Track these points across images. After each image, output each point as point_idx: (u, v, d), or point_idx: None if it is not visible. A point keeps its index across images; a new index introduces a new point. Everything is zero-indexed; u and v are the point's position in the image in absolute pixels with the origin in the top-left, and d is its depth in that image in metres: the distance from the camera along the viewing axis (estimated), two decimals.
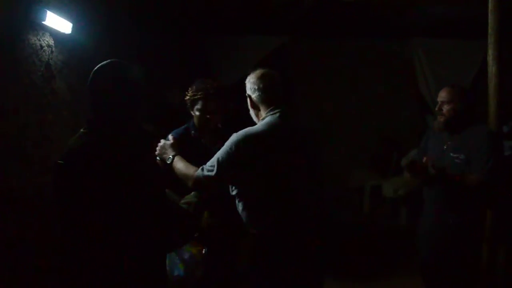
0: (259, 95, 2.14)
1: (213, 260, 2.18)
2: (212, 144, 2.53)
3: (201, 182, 1.91)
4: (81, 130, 1.60)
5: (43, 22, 2.50)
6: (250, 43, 5.68)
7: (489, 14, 2.86)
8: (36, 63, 2.58)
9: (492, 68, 2.86)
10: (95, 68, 1.65)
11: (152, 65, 4.30)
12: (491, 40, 2.87)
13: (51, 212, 2.46)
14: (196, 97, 2.53)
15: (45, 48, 2.65)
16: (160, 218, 1.46)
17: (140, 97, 1.65)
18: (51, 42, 2.71)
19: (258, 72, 2.19)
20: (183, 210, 1.66)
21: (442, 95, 2.73)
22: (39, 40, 2.59)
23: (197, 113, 2.55)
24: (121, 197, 1.38)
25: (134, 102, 1.61)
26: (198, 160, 2.09)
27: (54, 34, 2.72)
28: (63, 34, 2.78)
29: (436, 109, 2.76)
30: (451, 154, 2.62)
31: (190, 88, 2.58)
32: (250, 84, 2.18)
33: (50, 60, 2.72)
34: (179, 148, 2.26)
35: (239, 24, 5.47)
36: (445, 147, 2.69)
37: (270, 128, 2.00)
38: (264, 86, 2.12)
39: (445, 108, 2.68)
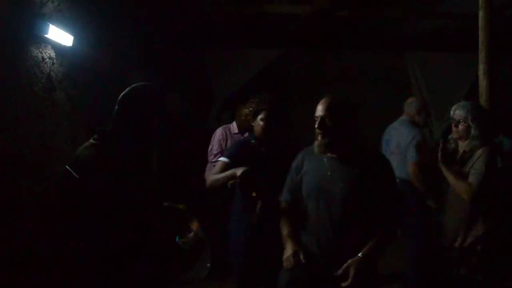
0: None
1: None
2: (269, 152, 2.66)
3: None
4: (91, 140, 1.62)
5: (45, 35, 2.57)
6: (247, 56, 5.76)
7: (480, 30, 2.95)
8: (38, 74, 2.64)
9: (483, 83, 2.95)
10: (136, 85, 1.67)
11: (151, 74, 4.36)
12: (481, 55, 2.96)
13: (52, 218, 2.52)
14: (260, 107, 2.67)
15: (47, 60, 2.71)
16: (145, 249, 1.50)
17: (167, 127, 1.68)
18: (53, 54, 2.78)
19: None
20: (175, 246, 1.67)
21: None
22: (41, 53, 2.65)
23: (261, 122, 2.66)
24: (120, 212, 1.42)
25: (160, 131, 1.64)
26: (256, 168, 2.34)
27: (56, 46, 2.79)
28: (64, 46, 2.85)
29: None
30: None
31: (251, 100, 2.73)
32: None
33: (51, 72, 2.79)
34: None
35: (236, 37, 5.56)
36: None
37: None
38: None
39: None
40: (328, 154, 2.14)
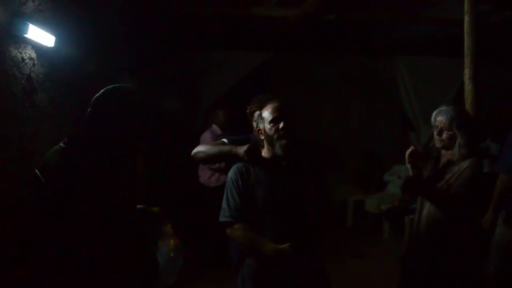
0: None
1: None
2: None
3: None
4: (61, 144, 1.59)
5: (24, 35, 2.51)
6: (235, 58, 5.76)
7: (465, 35, 2.95)
8: (17, 75, 2.57)
9: (468, 87, 2.95)
10: (109, 87, 1.63)
11: (138, 76, 4.32)
12: (467, 60, 2.96)
13: (30, 223, 2.46)
14: (252, 109, 2.59)
15: (27, 61, 2.65)
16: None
17: (145, 129, 1.64)
18: (33, 55, 2.71)
19: None
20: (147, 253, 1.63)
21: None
22: (21, 53, 2.59)
23: (254, 124, 2.57)
24: (90, 216, 1.39)
25: (132, 130, 1.60)
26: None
27: (36, 47, 2.73)
28: (46, 47, 2.78)
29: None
30: None
31: (252, 103, 2.63)
32: None
33: (32, 73, 2.72)
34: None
35: (224, 39, 5.54)
36: None
37: None
38: None
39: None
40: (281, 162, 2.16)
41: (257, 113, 2.58)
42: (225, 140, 2.51)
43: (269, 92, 2.77)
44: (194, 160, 2.52)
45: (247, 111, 2.68)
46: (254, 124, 2.60)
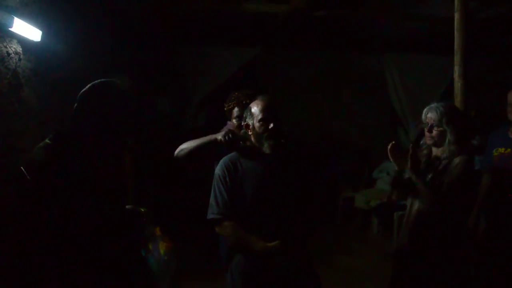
0: None
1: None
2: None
3: None
4: (46, 140, 1.56)
5: (9, 29, 2.45)
6: (225, 54, 5.72)
7: (455, 33, 2.96)
8: (2, 70, 2.51)
9: (457, 84, 2.96)
10: (96, 82, 1.59)
11: (131, 72, 4.26)
12: (457, 57, 2.97)
13: (14, 221, 2.41)
14: (230, 106, 2.64)
15: (12, 55, 2.59)
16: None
17: (134, 124, 1.60)
18: (19, 49, 2.66)
19: None
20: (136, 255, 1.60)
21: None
22: (6, 47, 2.53)
23: (234, 121, 2.63)
24: (77, 214, 1.36)
25: (118, 126, 1.56)
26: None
27: (23, 41, 2.67)
28: (32, 41, 2.73)
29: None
30: None
31: (229, 99, 2.67)
32: None
33: (18, 68, 2.66)
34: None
35: (213, 35, 5.49)
36: None
37: None
38: None
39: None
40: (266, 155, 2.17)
41: (236, 109, 2.61)
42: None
43: (254, 88, 2.76)
44: (178, 159, 2.51)
45: (225, 108, 2.70)
46: (234, 121, 2.63)
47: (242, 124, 2.33)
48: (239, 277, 2.11)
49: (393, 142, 2.48)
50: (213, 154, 2.43)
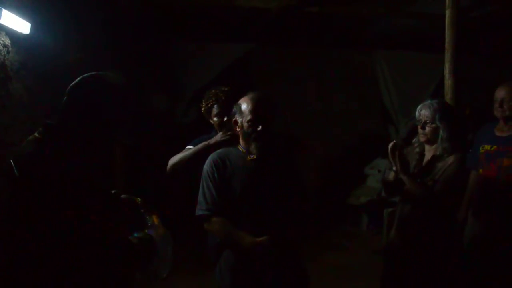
0: None
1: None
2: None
3: None
4: (35, 133, 1.53)
5: None
6: (216, 50, 5.68)
7: (446, 30, 2.98)
8: None
9: (448, 82, 2.98)
10: (86, 75, 1.56)
11: (122, 66, 4.23)
12: (447, 54, 2.99)
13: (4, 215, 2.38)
14: (209, 104, 2.62)
15: (0, 48, 2.56)
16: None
17: (124, 118, 1.59)
18: (7, 41, 2.62)
19: None
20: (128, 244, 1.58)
21: None
22: None
23: (215, 118, 2.61)
24: (65, 209, 1.34)
25: (109, 119, 1.54)
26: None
27: (11, 33, 2.64)
28: (21, 34, 2.69)
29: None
30: None
31: (207, 98, 2.65)
32: None
33: (6, 61, 2.63)
34: None
35: (205, 30, 5.47)
36: None
37: None
38: None
39: None
40: (251, 155, 2.15)
41: (215, 106, 2.61)
42: (190, 146, 2.56)
43: (247, 86, 2.75)
44: (174, 172, 2.54)
45: (203, 108, 2.68)
46: (215, 118, 2.62)
47: (225, 120, 2.35)
48: (227, 273, 2.11)
49: (394, 141, 2.46)
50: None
